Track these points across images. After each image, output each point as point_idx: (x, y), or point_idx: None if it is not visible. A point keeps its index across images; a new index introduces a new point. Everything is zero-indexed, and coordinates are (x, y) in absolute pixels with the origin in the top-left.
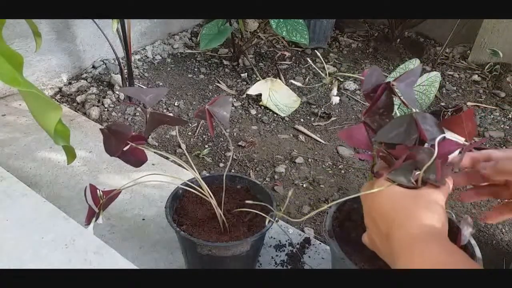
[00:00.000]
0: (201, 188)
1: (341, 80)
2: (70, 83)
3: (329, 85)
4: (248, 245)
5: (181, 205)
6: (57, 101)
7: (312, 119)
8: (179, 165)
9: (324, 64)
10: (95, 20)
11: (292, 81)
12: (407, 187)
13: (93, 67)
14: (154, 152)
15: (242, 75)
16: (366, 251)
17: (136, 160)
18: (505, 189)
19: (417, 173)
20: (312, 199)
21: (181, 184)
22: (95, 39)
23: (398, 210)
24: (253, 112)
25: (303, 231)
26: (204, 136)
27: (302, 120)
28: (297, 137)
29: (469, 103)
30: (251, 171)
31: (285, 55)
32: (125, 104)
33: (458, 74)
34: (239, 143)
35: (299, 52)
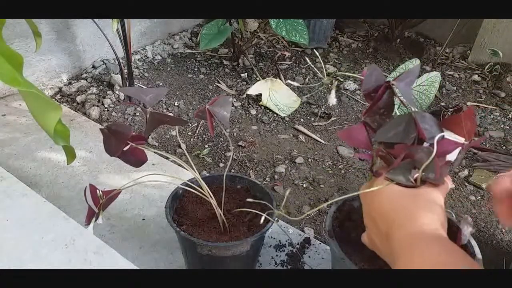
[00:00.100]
0: (201, 188)
1: (341, 80)
2: (70, 83)
3: (329, 85)
4: (248, 245)
5: (181, 205)
6: (57, 101)
7: (312, 119)
8: (179, 165)
9: (323, 64)
10: (95, 20)
11: (289, 81)
12: (406, 186)
13: (93, 67)
14: (154, 152)
15: (242, 75)
16: (366, 251)
17: (136, 160)
18: None
19: (416, 175)
20: (312, 199)
21: (181, 184)
22: (95, 39)
23: (397, 210)
24: (253, 112)
25: (303, 231)
26: (204, 136)
27: (302, 120)
28: (297, 137)
29: (469, 103)
30: (251, 171)
31: (285, 55)
32: (125, 104)
33: (458, 74)
34: (239, 143)
35: (299, 52)
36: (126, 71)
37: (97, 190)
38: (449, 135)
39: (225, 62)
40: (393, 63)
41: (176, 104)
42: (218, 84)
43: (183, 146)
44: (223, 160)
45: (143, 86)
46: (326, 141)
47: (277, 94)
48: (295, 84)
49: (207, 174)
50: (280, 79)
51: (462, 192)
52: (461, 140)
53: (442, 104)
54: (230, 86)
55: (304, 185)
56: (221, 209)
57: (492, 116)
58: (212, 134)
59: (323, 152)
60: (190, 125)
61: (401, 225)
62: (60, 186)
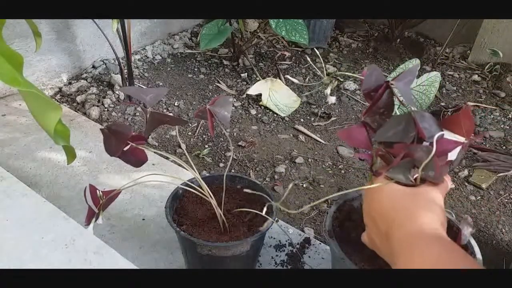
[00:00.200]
0: (201, 188)
1: (341, 80)
2: (70, 83)
3: (328, 85)
4: (248, 245)
5: (181, 205)
6: (57, 101)
7: (312, 119)
8: (179, 165)
9: (323, 64)
10: (95, 20)
11: (288, 76)
12: (406, 185)
13: (93, 67)
14: (154, 152)
15: (242, 75)
16: (366, 251)
17: (136, 160)
18: None
19: (416, 174)
20: (312, 199)
21: (181, 184)
22: (95, 39)
23: (397, 209)
24: (253, 112)
25: (303, 231)
26: (204, 136)
27: (302, 120)
28: (297, 137)
29: (469, 103)
30: (251, 171)
31: (285, 55)
32: (125, 104)
33: (458, 74)
34: (239, 143)
35: (299, 52)
36: (126, 71)
37: (97, 190)
38: (448, 135)
39: (225, 62)
40: (393, 63)
41: (176, 104)
42: (218, 84)
43: (183, 146)
44: (223, 160)
45: (143, 86)
46: (326, 141)
47: (277, 94)
48: (295, 81)
49: (207, 174)
50: (280, 79)
51: (462, 192)
52: (461, 139)
53: (442, 104)
54: (230, 86)
55: (304, 185)
56: (221, 209)
57: (492, 116)
58: (212, 134)
59: (323, 152)
60: (190, 125)
61: (401, 225)
62: (60, 186)
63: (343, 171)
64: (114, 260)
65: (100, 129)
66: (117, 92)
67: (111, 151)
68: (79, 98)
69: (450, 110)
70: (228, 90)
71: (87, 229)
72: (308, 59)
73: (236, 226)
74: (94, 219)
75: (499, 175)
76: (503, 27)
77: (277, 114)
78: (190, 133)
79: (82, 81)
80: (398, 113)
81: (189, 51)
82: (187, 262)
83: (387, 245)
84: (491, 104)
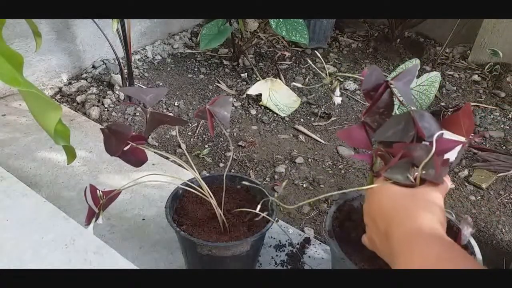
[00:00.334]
0: (201, 188)
1: (341, 80)
2: (70, 83)
3: (329, 85)
4: (248, 245)
5: (181, 205)
6: (57, 101)
7: (312, 119)
8: (179, 165)
9: (324, 64)
10: (95, 20)
11: (294, 83)
12: (405, 185)
13: (93, 67)
14: (154, 152)
15: (242, 75)
16: (366, 251)
17: (136, 160)
18: None
19: (416, 173)
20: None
21: (181, 184)
22: (95, 39)
23: (397, 209)
24: (253, 112)
25: (303, 231)
26: (204, 136)
27: (302, 120)
28: (297, 137)
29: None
30: (251, 171)
31: (285, 55)
32: (125, 104)
33: (458, 74)
34: (239, 143)
35: (299, 52)
36: (126, 71)
37: (97, 190)
38: (448, 135)
39: (225, 62)
40: (393, 63)
41: (176, 104)
42: (218, 84)
43: (183, 146)
44: (223, 160)
45: (143, 86)
46: (326, 141)
47: (277, 94)
48: (298, 85)
49: (207, 174)
50: (280, 79)
51: (462, 192)
52: (461, 139)
53: (442, 104)
54: (230, 86)
55: (304, 185)
56: (221, 209)
57: (492, 116)
58: (212, 134)
59: (323, 152)
60: (190, 125)
61: (400, 224)
62: (60, 186)
63: (343, 171)
64: (114, 260)
65: (100, 129)
66: (117, 92)
67: (111, 151)
68: (79, 98)
69: (450, 110)
70: (228, 90)
71: (87, 229)
72: (309, 59)
73: (236, 226)
74: (94, 219)
75: (499, 175)
76: (503, 27)
77: (277, 114)
78: (190, 133)
79: (82, 81)
80: (398, 113)
81: (189, 51)
82: (187, 262)
83: (386, 244)
84: (491, 104)
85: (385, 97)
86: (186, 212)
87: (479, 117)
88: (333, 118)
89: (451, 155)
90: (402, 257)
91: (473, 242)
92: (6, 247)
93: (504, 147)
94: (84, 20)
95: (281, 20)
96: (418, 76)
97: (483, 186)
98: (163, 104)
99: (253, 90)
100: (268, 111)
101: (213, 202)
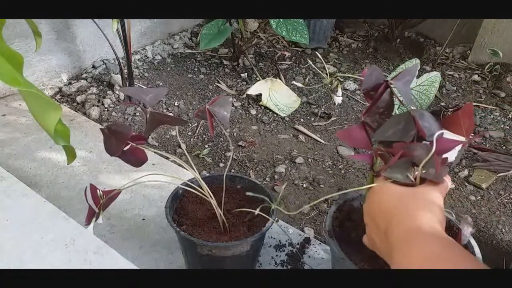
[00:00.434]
0: (201, 188)
1: (341, 80)
2: (70, 83)
3: (329, 85)
4: (248, 245)
5: (181, 205)
6: (57, 101)
7: (312, 119)
8: (179, 165)
9: (324, 64)
10: (95, 20)
11: (294, 82)
12: (405, 184)
13: (93, 67)
14: (154, 152)
15: (242, 75)
16: (366, 251)
17: (136, 160)
18: None
19: (416, 173)
20: (312, 199)
21: (181, 184)
22: (95, 39)
23: (397, 208)
24: (253, 112)
25: (303, 231)
26: (204, 136)
27: (302, 120)
28: (297, 137)
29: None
30: (251, 171)
31: (285, 55)
32: (125, 104)
33: (458, 74)
34: (239, 143)
35: (299, 52)
36: (126, 71)
37: (97, 190)
38: (448, 135)
39: (225, 62)
40: (393, 63)
41: (176, 104)
42: (218, 84)
43: (183, 146)
44: (223, 160)
45: (143, 86)
46: (326, 141)
47: (277, 94)
48: (298, 84)
49: (207, 174)
50: (280, 79)
51: (462, 192)
52: (461, 139)
53: (442, 104)
54: (230, 86)
55: (304, 185)
56: (221, 209)
57: (492, 116)
58: (212, 134)
59: (323, 152)
60: (190, 125)
61: (400, 222)
62: (60, 186)
63: (343, 171)
64: (114, 260)
65: (100, 129)
66: (117, 92)
67: (111, 151)
68: (79, 98)
69: (450, 110)
70: (228, 90)
71: (87, 229)
72: (309, 60)
73: (236, 226)
74: (94, 219)
75: (499, 175)
76: (503, 27)
77: (277, 114)
78: (190, 133)
79: (82, 81)
80: (398, 113)
81: (189, 51)
82: (187, 262)
83: (385, 242)
84: (491, 104)
85: (385, 97)
86: (186, 212)
87: (479, 117)
88: (333, 118)
89: (451, 155)
90: (401, 255)
91: (473, 242)
92: (6, 247)
93: (504, 147)
94: (84, 20)
95: (281, 20)
96: (418, 76)
97: (483, 186)
98: (163, 104)
99: (253, 90)
100: (268, 111)
101: (213, 202)
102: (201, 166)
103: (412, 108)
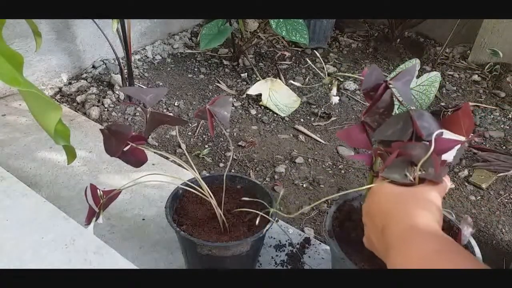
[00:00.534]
0: (201, 188)
1: (341, 80)
2: (70, 83)
3: (329, 85)
4: (248, 245)
5: (181, 205)
6: (57, 101)
7: (312, 119)
8: (179, 165)
9: (324, 64)
10: (95, 20)
11: (292, 81)
12: (404, 184)
13: (93, 67)
14: (154, 152)
15: (242, 75)
16: (366, 251)
17: (136, 160)
18: None
19: (416, 172)
20: (312, 199)
21: (181, 184)
22: (95, 39)
23: (396, 208)
24: (253, 112)
25: (303, 231)
26: (204, 136)
27: (302, 120)
28: (297, 137)
29: (469, 103)
30: (251, 171)
31: (285, 55)
32: (125, 104)
33: (458, 74)
34: (239, 143)
35: (299, 52)
36: (126, 71)
37: (98, 190)
38: (448, 135)
39: (225, 62)
40: (393, 63)
41: (176, 104)
42: (218, 84)
43: (183, 146)
44: (223, 160)
45: (143, 86)
46: (326, 141)
47: (277, 94)
48: (297, 84)
49: (207, 174)
50: (280, 79)
51: (462, 192)
52: (461, 139)
53: (442, 104)
54: (230, 86)
55: (304, 185)
56: (221, 209)
57: (492, 116)
58: (212, 134)
59: (323, 152)
60: (190, 125)
61: (398, 221)
62: (60, 186)
63: (343, 171)
64: (114, 260)
65: (100, 129)
66: (117, 92)
67: (111, 151)
68: (79, 98)
69: (450, 110)
70: (228, 90)
71: (87, 229)
72: (308, 60)
73: (236, 226)
74: (94, 219)
75: (499, 175)
76: (503, 27)
77: (277, 114)
78: (190, 133)
79: (82, 81)
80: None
81: (189, 51)
82: (187, 262)
83: (382, 241)
84: (491, 104)
85: (385, 97)
86: (186, 212)
87: (479, 117)
88: (333, 118)
89: (450, 155)
90: (399, 254)
91: (473, 242)
92: (6, 247)
93: (504, 147)
94: (84, 20)
95: (281, 20)
96: (418, 76)
97: (483, 186)
98: (163, 104)
99: (253, 90)
100: (268, 111)
101: (213, 202)
102: (201, 166)
103: (412, 108)
